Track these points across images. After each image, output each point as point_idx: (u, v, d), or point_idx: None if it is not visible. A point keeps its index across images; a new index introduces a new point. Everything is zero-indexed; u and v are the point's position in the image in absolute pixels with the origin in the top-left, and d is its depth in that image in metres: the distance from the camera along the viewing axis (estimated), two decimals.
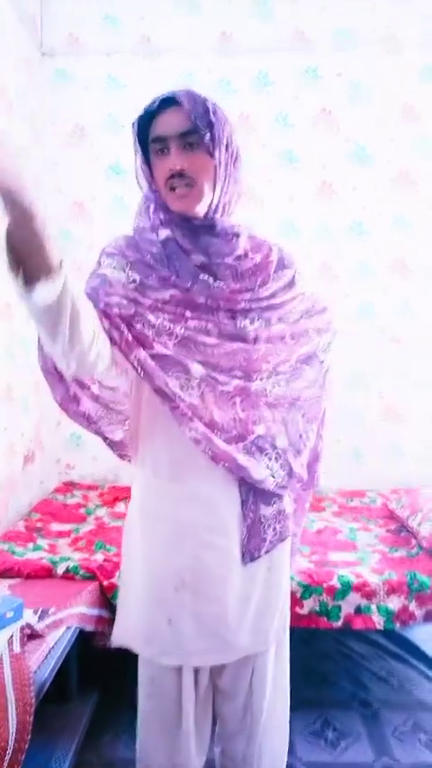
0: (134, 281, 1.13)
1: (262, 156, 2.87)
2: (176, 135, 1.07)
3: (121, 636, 1.28)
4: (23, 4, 2.62)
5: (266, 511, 1.21)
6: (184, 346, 1.12)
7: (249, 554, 1.20)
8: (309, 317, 1.25)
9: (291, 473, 1.21)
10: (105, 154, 2.87)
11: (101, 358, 1.05)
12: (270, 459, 1.18)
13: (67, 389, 1.18)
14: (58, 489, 2.85)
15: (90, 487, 2.89)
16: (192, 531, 1.18)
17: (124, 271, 1.13)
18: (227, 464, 1.13)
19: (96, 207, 2.90)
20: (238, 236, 1.16)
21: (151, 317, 1.11)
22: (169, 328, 1.11)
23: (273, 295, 1.19)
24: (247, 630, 1.22)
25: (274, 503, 1.22)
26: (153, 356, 1.10)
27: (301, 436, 1.23)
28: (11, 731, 1.23)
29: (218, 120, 1.09)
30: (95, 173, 2.89)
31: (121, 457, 1.35)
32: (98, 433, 1.28)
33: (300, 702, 1.86)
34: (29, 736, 1.25)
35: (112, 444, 1.31)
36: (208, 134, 1.07)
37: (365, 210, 2.91)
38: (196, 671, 1.26)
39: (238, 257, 1.15)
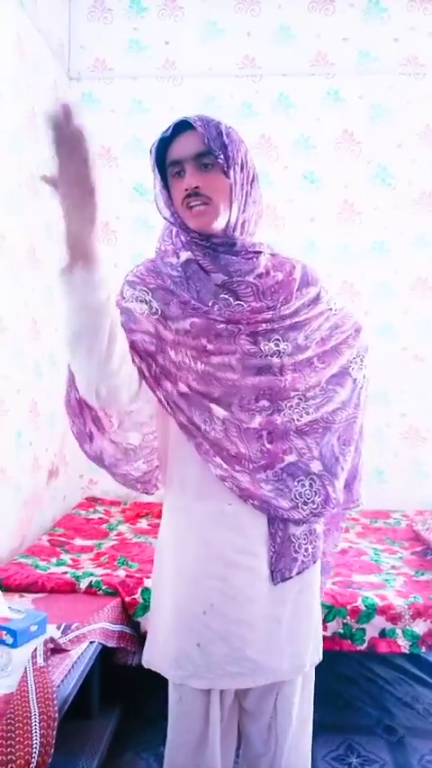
0: (156, 311, 1.14)
1: (284, 177, 2.91)
2: (191, 157, 1.10)
3: (150, 659, 1.27)
4: (52, 30, 2.70)
5: (296, 530, 1.19)
6: (206, 383, 1.12)
7: (280, 574, 1.17)
8: (338, 334, 1.24)
9: (327, 500, 1.17)
10: (130, 175, 2.93)
11: (130, 382, 1.07)
12: (303, 486, 1.16)
13: (84, 424, 1.18)
14: (80, 504, 2.87)
15: (112, 503, 2.90)
16: (219, 552, 1.17)
17: (146, 302, 1.15)
18: (254, 501, 1.13)
19: (121, 226, 2.95)
20: (258, 254, 1.17)
21: (172, 354, 1.12)
22: (189, 365, 1.12)
23: (296, 312, 1.18)
24: (278, 654, 1.20)
25: (303, 522, 1.19)
26: (178, 392, 1.11)
27: (337, 459, 1.20)
28: (34, 745, 1.22)
29: (231, 141, 1.12)
30: (120, 193, 2.95)
31: (146, 491, 1.34)
32: (112, 472, 1.28)
33: (323, 727, 1.83)
34: (52, 751, 1.24)
35: (134, 481, 1.30)
36: (222, 154, 1.10)
37: (387, 230, 2.92)
38: (222, 693, 1.25)
39: (260, 275, 1.16)
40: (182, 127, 1.11)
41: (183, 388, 1.11)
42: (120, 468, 1.27)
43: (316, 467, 1.18)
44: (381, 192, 2.91)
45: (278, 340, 1.16)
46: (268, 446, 1.14)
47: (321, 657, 1.30)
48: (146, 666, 1.27)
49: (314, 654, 1.27)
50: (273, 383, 1.15)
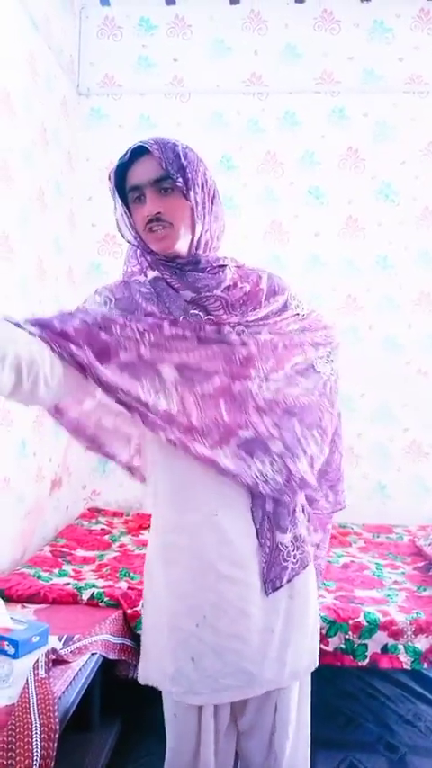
0: (111, 310, 1.15)
1: (289, 193, 2.95)
2: (150, 182, 1.11)
3: (146, 675, 1.26)
4: (63, 47, 2.76)
5: (283, 538, 1.19)
6: (158, 350, 1.11)
7: (271, 584, 1.18)
8: (304, 333, 1.25)
9: (289, 477, 1.17)
10: None
11: (51, 383, 1.05)
12: (264, 463, 1.15)
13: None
14: (83, 515, 2.87)
15: (115, 514, 2.91)
16: (210, 565, 1.17)
17: (105, 304, 1.16)
18: (209, 465, 1.11)
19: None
20: (223, 268, 1.18)
21: (117, 329, 1.09)
22: (141, 333, 1.10)
23: (264, 318, 1.20)
24: (272, 663, 1.20)
25: (289, 529, 1.20)
26: (119, 365, 1.08)
27: (299, 441, 1.19)
28: (35, 757, 1.22)
29: (189, 162, 1.12)
30: None
31: (143, 480, 1.35)
32: (102, 453, 1.29)
33: (324, 743, 1.82)
34: (53, 763, 1.24)
35: (125, 467, 1.31)
36: (180, 178, 1.10)
37: (391, 245, 2.95)
38: (217, 708, 1.25)
39: (227, 288, 1.17)
40: (139, 151, 1.12)
41: (126, 357, 1.08)
42: (106, 447, 1.28)
43: (277, 447, 1.16)
44: (385, 208, 2.93)
45: (241, 330, 1.17)
46: (225, 417, 1.13)
47: (317, 663, 1.29)
48: (142, 683, 1.26)
49: (310, 659, 1.27)
50: (228, 354, 1.14)
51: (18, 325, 1.06)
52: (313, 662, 1.29)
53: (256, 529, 1.18)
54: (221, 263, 1.18)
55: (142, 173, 1.12)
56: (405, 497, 2.94)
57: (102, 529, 2.69)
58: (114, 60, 2.99)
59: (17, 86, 2.22)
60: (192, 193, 1.12)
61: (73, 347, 1.05)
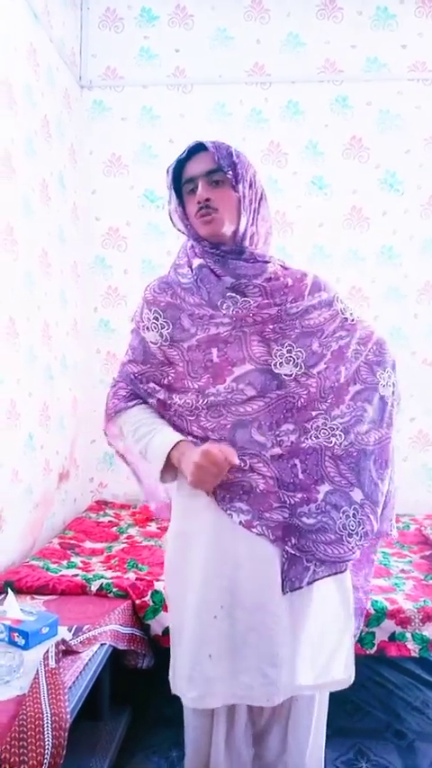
0: (166, 339, 1.22)
1: (293, 183, 2.93)
2: (203, 174, 1.19)
3: (174, 684, 1.27)
4: (64, 39, 2.74)
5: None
6: (218, 414, 1.16)
7: (290, 583, 1.17)
8: (358, 347, 1.23)
9: (370, 530, 1.16)
10: (140, 182, 2.96)
11: None
12: (348, 516, 1.14)
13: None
14: (90, 507, 2.89)
15: (122, 506, 2.92)
16: (229, 553, 1.17)
17: (158, 324, 1.23)
18: (282, 544, 1.15)
19: (131, 232, 2.97)
20: (266, 262, 1.22)
21: (177, 399, 1.20)
22: (192, 405, 1.19)
23: (306, 312, 1.19)
24: (290, 668, 1.19)
25: (348, 560, 1.19)
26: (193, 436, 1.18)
27: (376, 485, 1.18)
28: (46, 746, 1.23)
29: (240, 162, 1.21)
30: (130, 200, 2.97)
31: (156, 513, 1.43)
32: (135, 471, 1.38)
33: (333, 731, 1.81)
34: (64, 752, 1.25)
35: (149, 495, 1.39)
36: (230, 171, 1.18)
37: (396, 235, 2.93)
38: (232, 709, 1.25)
39: (268, 279, 1.20)
40: (196, 149, 1.21)
41: (196, 432, 1.18)
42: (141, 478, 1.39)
43: (357, 495, 1.15)
44: (389, 198, 2.92)
45: (291, 346, 1.17)
46: (301, 476, 1.14)
47: (352, 679, 1.26)
48: (174, 692, 1.27)
49: (342, 674, 1.24)
50: (289, 400, 1.15)
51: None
52: (348, 677, 1.26)
53: (283, 527, 1.17)
54: (265, 258, 1.23)
55: (197, 166, 1.20)
56: (412, 487, 2.94)
57: (109, 521, 2.70)
58: (116, 52, 2.97)
59: (19, 79, 2.21)
60: (240, 186, 1.19)
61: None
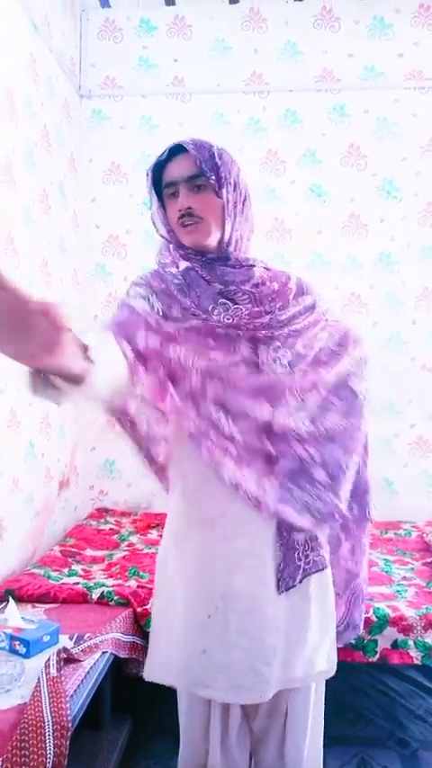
0: (158, 311, 1.17)
1: (291, 191, 2.95)
2: (184, 179, 1.16)
3: (151, 671, 1.27)
4: (64, 49, 2.77)
5: (298, 536, 1.20)
6: (209, 379, 1.12)
7: (284, 582, 1.18)
8: (337, 346, 1.26)
9: (334, 509, 1.17)
10: (139, 190, 2.96)
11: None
12: (311, 495, 1.15)
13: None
14: (91, 515, 2.88)
15: (123, 514, 2.92)
16: (223, 553, 1.18)
17: (149, 300, 1.18)
18: (262, 510, 1.12)
19: (130, 240, 2.99)
20: (252, 266, 1.21)
21: (175, 348, 1.10)
22: (192, 362, 1.11)
23: (293, 318, 1.20)
24: (282, 665, 1.19)
25: (309, 531, 1.20)
26: (185, 392, 1.10)
27: (340, 468, 1.20)
28: (48, 754, 1.23)
29: (223, 163, 1.17)
30: (130, 208, 2.99)
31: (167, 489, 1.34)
32: (145, 449, 1.28)
33: (335, 739, 1.82)
34: (66, 761, 1.24)
35: (158, 470, 1.31)
36: (213, 175, 1.15)
37: (394, 242, 2.94)
38: (226, 710, 1.25)
39: (256, 284, 1.19)
40: (176, 150, 1.17)
41: (187, 387, 1.10)
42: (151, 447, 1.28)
43: (320, 476, 1.17)
44: (387, 205, 2.93)
45: (278, 346, 1.18)
46: (269, 449, 1.14)
47: (334, 670, 1.28)
48: (147, 679, 1.27)
49: (325, 665, 1.26)
50: (272, 383, 1.16)
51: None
52: (331, 669, 1.28)
53: (277, 524, 1.18)
54: (251, 262, 1.22)
55: (177, 170, 1.17)
56: (412, 493, 2.94)
57: (110, 528, 2.70)
58: (115, 62, 3.00)
59: (19, 89, 2.23)
60: (224, 191, 1.16)
61: (150, 368, 1.06)
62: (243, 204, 1.21)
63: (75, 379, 0.89)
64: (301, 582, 1.20)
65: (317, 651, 1.25)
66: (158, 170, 1.20)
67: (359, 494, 1.26)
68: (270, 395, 1.15)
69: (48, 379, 0.89)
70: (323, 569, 1.24)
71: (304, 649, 1.22)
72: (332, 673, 1.29)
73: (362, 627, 1.44)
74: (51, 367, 0.85)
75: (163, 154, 1.19)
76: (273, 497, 1.12)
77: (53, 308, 0.76)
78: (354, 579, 1.35)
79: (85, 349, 0.89)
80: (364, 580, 1.38)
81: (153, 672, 1.26)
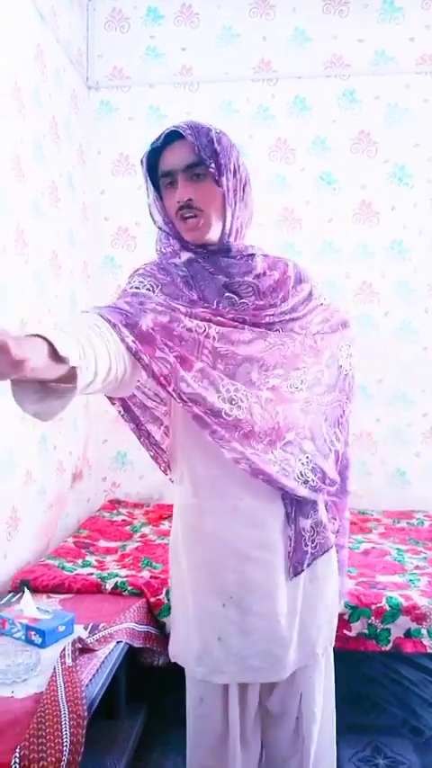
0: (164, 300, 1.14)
1: (301, 179, 2.92)
2: (182, 168, 1.10)
3: (176, 653, 1.30)
4: (71, 40, 2.75)
5: (305, 523, 1.21)
6: (221, 356, 1.11)
7: (294, 568, 1.20)
8: (328, 326, 1.27)
9: (324, 477, 1.20)
10: None
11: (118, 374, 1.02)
12: (303, 464, 1.17)
13: None
14: (104, 507, 2.90)
15: (135, 505, 2.94)
16: (234, 547, 1.19)
17: (154, 291, 1.13)
18: (264, 478, 1.13)
19: (139, 232, 2.98)
20: (253, 256, 1.18)
21: (187, 321, 1.08)
22: (204, 334, 1.08)
23: (294, 308, 1.21)
24: (297, 646, 1.22)
25: (310, 515, 1.22)
26: (198, 372, 1.07)
27: (326, 440, 1.23)
28: (64, 744, 1.24)
29: (223, 148, 1.11)
30: (139, 200, 2.95)
31: (165, 471, 1.33)
32: (139, 427, 1.28)
33: (349, 728, 1.83)
34: (82, 749, 1.26)
35: (154, 446, 1.30)
36: (213, 163, 1.09)
37: (405, 230, 2.91)
38: (244, 692, 1.26)
39: (258, 276, 1.17)
40: (172, 136, 1.11)
41: (199, 365, 1.07)
42: (146, 422, 1.29)
43: (309, 446, 1.19)
44: (398, 192, 2.90)
45: (278, 330, 1.19)
46: (281, 422, 1.14)
47: (333, 642, 1.32)
48: (172, 660, 1.30)
49: (327, 640, 1.29)
50: (282, 348, 1.16)
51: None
52: (331, 636, 1.31)
53: (286, 512, 1.19)
54: (251, 251, 1.18)
55: (175, 158, 1.11)
56: (424, 483, 2.93)
57: (123, 520, 2.72)
58: (122, 52, 2.98)
59: (27, 81, 2.22)
60: (224, 179, 1.11)
61: (157, 353, 1.02)
62: (243, 190, 1.16)
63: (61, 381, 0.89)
64: (309, 566, 1.22)
65: (329, 626, 1.29)
66: (154, 156, 1.14)
67: (341, 469, 1.28)
68: (285, 361, 1.16)
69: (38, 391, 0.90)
70: (328, 550, 1.26)
71: (317, 627, 1.25)
72: (332, 641, 1.33)
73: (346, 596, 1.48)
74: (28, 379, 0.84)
75: (158, 140, 1.12)
76: (275, 470, 1.13)
77: (3, 343, 0.70)
78: (340, 550, 1.36)
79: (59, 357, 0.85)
80: (345, 548, 1.40)
81: (177, 654, 1.30)
